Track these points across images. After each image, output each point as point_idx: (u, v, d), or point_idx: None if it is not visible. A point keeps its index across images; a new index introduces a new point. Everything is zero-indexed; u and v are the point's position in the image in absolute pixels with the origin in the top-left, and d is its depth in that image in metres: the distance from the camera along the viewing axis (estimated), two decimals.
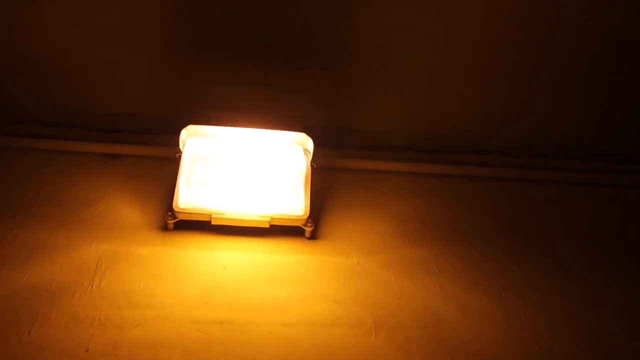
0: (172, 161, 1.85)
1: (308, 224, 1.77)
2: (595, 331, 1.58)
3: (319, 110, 2.15)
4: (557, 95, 2.20)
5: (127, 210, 1.82)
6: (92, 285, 1.54)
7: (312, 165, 1.86)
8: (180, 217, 1.74)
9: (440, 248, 1.82)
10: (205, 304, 1.53)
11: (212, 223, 1.75)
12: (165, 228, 1.76)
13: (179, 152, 1.83)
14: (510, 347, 1.51)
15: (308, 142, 1.86)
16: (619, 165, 2.29)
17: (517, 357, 1.48)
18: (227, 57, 2.04)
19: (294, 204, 1.78)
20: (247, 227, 1.77)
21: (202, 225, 1.77)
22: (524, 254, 1.83)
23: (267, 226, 1.77)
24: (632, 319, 1.63)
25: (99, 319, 1.44)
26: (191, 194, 1.76)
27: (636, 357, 1.52)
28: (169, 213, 1.74)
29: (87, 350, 1.36)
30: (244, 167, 1.81)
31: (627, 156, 2.30)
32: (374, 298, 1.61)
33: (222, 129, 1.84)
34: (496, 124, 2.25)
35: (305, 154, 1.86)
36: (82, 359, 1.33)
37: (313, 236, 1.80)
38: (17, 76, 2.05)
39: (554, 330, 1.57)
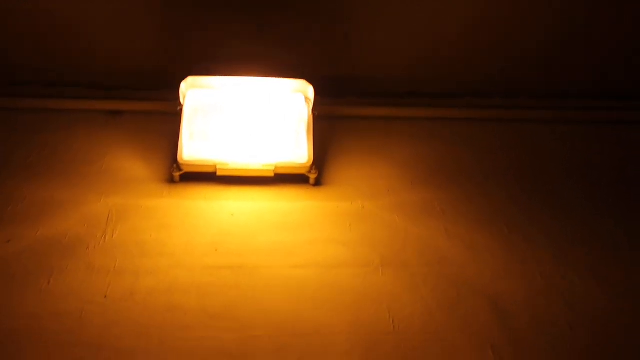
0: (173, 116, 1.85)
1: (312, 171, 1.79)
2: (594, 263, 1.62)
3: (318, 59, 2.12)
4: (557, 34, 2.16)
5: (133, 165, 1.84)
6: (104, 237, 1.58)
7: (313, 113, 1.86)
8: (186, 169, 1.76)
9: (443, 190, 1.84)
10: (216, 250, 1.57)
11: (217, 174, 1.78)
12: (171, 180, 1.78)
13: (180, 105, 1.83)
14: (513, 280, 1.55)
15: (308, 90, 1.85)
16: (621, 102, 2.27)
17: (520, 290, 1.53)
18: (223, 9, 2.00)
19: (298, 151, 1.79)
20: (252, 176, 1.79)
21: (208, 177, 1.79)
22: (527, 194, 1.85)
23: (272, 175, 1.79)
24: (631, 250, 1.67)
25: (114, 268, 1.49)
26: (195, 146, 1.77)
27: (636, 287, 1.56)
28: (175, 166, 1.76)
29: (106, 296, 1.41)
30: (245, 117, 1.81)
31: (629, 92, 2.29)
32: (380, 240, 1.65)
33: (221, 79, 1.83)
34: (497, 67, 2.23)
35: (306, 101, 1.86)
36: (102, 305, 1.39)
37: (317, 183, 1.82)
38: (15, 36, 2.02)
39: (557, 262, 1.61)
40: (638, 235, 1.72)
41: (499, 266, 1.60)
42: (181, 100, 1.83)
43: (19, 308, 1.37)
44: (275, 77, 1.87)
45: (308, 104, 1.86)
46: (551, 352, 1.38)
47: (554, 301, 1.50)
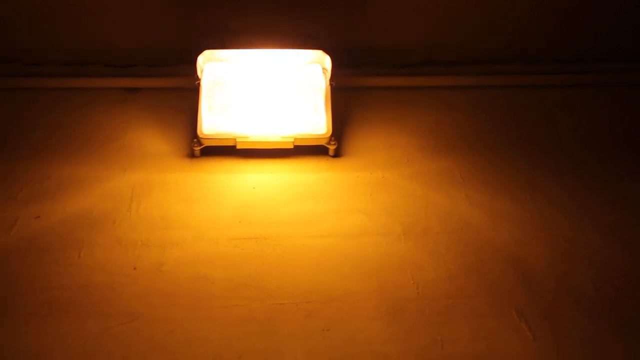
0: (191, 91, 1.86)
1: (331, 142, 1.79)
2: (617, 223, 1.62)
3: (334, 30, 2.09)
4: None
5: (153, 141, 1.85)
6: (130, 211, 1.60)
7: (331, 84, 1.85)
8: (206, 143, 1.77)
9: (464, 158, 1.84)
10: (239, 222, 1.59)
11: (237, 147, 1.78)
12: (192, 155, 1.80)
13: (198, 79, 1.83)
14: (536, 245, 1.56)
15: (325, 60, 1.84)
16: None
17: (543, 253, 1.53)
18: None
19: (316, 123, 1.79)
20: (271, 149, 1.80)
21: (228, 150, 1.80)
22: (547, 158, 1.84)
23: (291, 147, 1.79)
24: None
25: (141, 241, 1.52)
26: (214, 120, 1.77)
27: None
28: (195, 140, 1.77)
29: (135, 268, 1.45)
30: (263, 89, 1.81)
31: None
32: (401, 208, 1.66)
33: (238, 51, 1.82)
34: (514, 33, 2.19)
35: (323, 72, 1.85)
36: (131, 276, 1.42)
37: (337, 154, 1.82)
38: (31, 17, 2.03)
39: (579, 226, 1.61)
40: None
41: (521, 231, 1.60)
42: (199, 74, 1.83)
43: (51, 280, 1.41)
44: (292, 46, 1.85)
45: (325, 74, 1.85)
46: (576, 313, 1.38)
47: (578, 264, 1.50)
